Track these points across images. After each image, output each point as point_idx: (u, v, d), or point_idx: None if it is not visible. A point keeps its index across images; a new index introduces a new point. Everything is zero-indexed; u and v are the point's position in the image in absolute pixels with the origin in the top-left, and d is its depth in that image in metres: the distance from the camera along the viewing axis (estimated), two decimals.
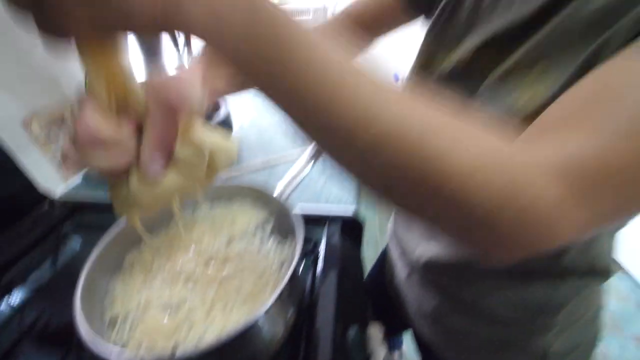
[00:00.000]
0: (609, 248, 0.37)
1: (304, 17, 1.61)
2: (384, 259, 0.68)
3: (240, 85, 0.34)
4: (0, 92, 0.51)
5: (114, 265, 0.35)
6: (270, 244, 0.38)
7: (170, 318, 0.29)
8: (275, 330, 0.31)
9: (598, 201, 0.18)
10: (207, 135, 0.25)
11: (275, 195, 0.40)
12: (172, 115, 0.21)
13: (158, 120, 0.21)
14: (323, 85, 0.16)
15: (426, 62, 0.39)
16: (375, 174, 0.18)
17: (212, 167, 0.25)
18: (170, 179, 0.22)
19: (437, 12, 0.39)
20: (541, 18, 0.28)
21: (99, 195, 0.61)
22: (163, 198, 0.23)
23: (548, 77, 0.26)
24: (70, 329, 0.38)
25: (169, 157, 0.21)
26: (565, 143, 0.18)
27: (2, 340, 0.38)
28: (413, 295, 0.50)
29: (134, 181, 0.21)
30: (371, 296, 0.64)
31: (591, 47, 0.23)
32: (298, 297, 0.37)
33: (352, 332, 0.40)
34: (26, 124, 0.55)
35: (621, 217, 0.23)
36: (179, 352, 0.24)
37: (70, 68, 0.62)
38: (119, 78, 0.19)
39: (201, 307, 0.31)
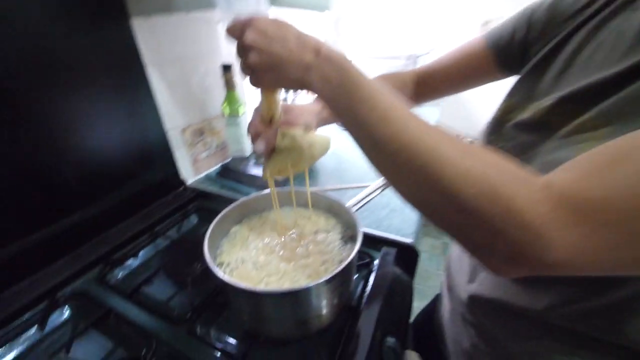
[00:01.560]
0: None
1: (396, 63, 1.76)
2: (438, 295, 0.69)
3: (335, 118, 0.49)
4: (177, 109, 0.77)
5: (223, 233, 0.50)
6: (337, 242, 0.48)
7: (257, 273, 0.42)
8: (323, 304, 0.40)
9: (590, 233, 0.21)
10: (308, 136, 0.41)
11: (347, 206, 0.50)
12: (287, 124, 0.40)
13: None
14: (381, 124, 0.27)
15: (506, 111, 0.42)
16: (409, 185, 0.28)
17: (312, 154, 0.42)
18: (282, 159, 0.41)
19: (528, 68, 0.42)
20: (618, 83, 0.29)
21: (215, 188, 0.82)
22: (282, 170, 0.42)
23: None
24: (183, 273, 0.54)
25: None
26: (581, 179, 0.22)
27: (146, 270, 0.57)
28: (453, 332, 0.51)
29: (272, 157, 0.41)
30: (418, 328, 0.66)
31: None
32: (347, 291, 0.45)
33: (389, 342, 0.45)
34: (183, 131, 0.80)
35: (613, 263, 0.23)
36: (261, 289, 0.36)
37: (212, 100, 0.88)
38: (272, 105, 0.38)
39: (276, 274, 0.42)
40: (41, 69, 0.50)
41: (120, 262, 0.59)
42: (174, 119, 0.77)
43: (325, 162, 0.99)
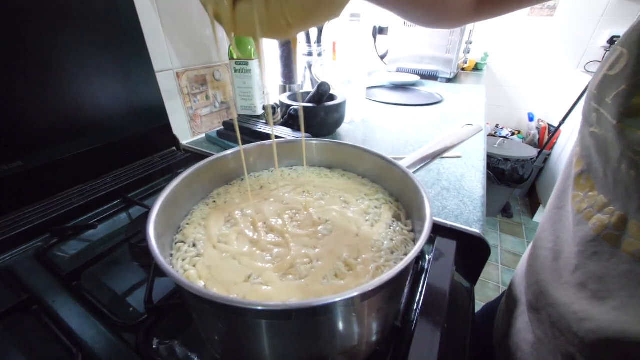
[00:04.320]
0: None
1: None
2: (494, 307, 0.50)
3: None
4: (170, 46, 0.60)
5: (197, 196, 0.33)
6: (385, 220, 0.29)
7: (237, 265, 0.24)
8: (364, 330, 0.22)
9: None
10: None
11: (399, 164, 0.31)
12: None
13: None
14: None
15: None
16: None
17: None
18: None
19: None
20: None
21: (215, 151, 0.65)
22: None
23: None
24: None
25: None
26: None
27: (104, 247, 0.41)
28: None
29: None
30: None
31: None
32: (397, 304, 0.27)
33: None
34: (178, 76, 0.63)
35: None
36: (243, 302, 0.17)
37: (218, 43, 0.70)
38: None
39: (275, 268, 0.24)
40: None
41: (75, 233, 0.43)
42: (165, 57, 0.60)
43: (351, 129, 0.79)
